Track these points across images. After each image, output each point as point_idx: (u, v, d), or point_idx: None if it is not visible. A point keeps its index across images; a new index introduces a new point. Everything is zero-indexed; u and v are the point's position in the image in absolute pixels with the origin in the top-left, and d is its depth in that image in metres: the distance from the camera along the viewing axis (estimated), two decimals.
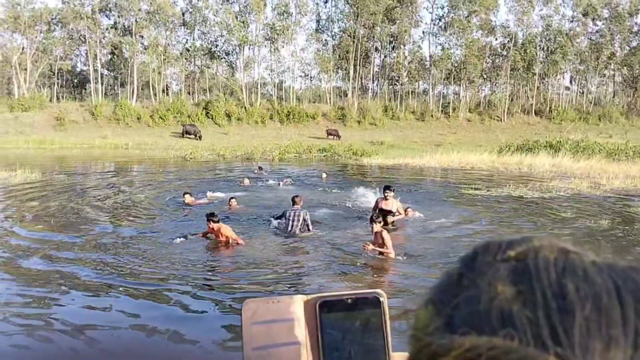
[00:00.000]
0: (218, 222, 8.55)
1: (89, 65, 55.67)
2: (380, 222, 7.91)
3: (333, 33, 62.40)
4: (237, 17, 55.55)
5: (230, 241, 8.52)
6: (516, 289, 0.32)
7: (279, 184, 17.49)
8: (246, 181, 17.29)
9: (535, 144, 30.01)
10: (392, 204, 10.42)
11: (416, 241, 9.33)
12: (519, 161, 25.70)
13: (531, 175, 21.26)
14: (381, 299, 0.51)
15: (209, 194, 14.15)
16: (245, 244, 8.64)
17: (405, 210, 11.09)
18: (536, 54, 58.85)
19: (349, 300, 0.50)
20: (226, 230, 8.57)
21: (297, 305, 0.51)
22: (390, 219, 10.21)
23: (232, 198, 12.36)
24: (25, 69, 51.82)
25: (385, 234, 7.76)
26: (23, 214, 11.56)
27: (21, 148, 36.11)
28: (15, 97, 49.36)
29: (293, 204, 9.89)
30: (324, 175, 20.16)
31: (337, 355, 0.49)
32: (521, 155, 27.06)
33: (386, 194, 10.43)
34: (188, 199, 12.40)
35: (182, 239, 8.84)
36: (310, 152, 33.90)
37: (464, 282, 0.34)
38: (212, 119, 50.97)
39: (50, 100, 51.57)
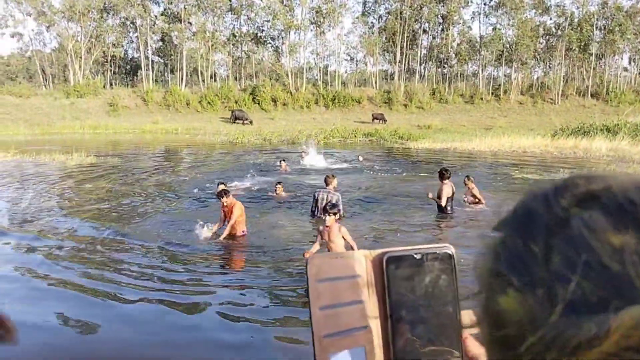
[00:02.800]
0: (229, 196, 8.10)
1: (140, 52, 57.12)
2: (335, 215, 6.16)
3: (379, 15, 61.50)
4: (282, 1, 55.53)
5: (236, 225, 7.99)
6: (635, 236, 0.26)
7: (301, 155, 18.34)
8: (283, 164, 16.93)
9: (591, 127, 28.69)
10: (448, 188, 9.46)
11: (459, 230, 9.08)
12: (574, 145, 24.67)
13: (587, 160, 20.39)
14: (452, 254, 0.49)
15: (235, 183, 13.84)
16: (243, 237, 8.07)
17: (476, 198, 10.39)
18: (593, 33, 56.11)
19: (418, 256, 0.49)
20: (238, 209, 8.02)
21: (361, 261, 0.49)
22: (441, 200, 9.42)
23: (278, 183, 12.20)
24: (80, 57, 53.66)
25: (343, 229, 6.21)
26: (74, 197, 11.99)
27: (77, 133, 37.56)
28: (70, 84, 51.31)
29: (326, 185, 9.26)
30: (361, 158, 20.17)
31: (406, 313, 0.48)
32: (576, 139, 25.96)
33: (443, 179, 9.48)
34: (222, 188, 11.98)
35: (202, 227, 8.29)
36: (355, 136, 33.69)
37: (536, 244, 0.29)
38: (259, 104, 51.41)
39: (104, 87, 53.28)
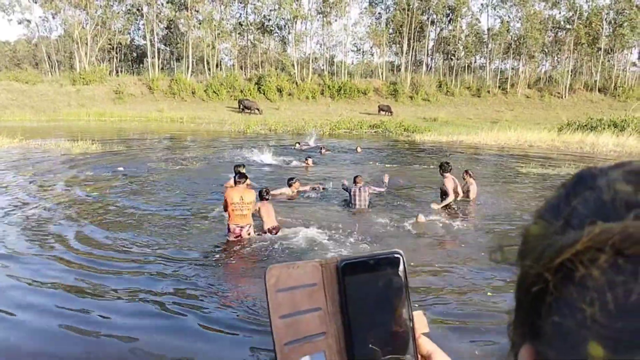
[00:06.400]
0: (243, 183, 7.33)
1: (146, 40, 56.97)
2: (267, 200, 7.87)
3: (387, 5, 61.11)
4: None
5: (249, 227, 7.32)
6: (635, 187, 0.33)
7: (321, 151, 19.15)
8: (309, 161, 15.98)
9: (598, 122, 28.49)
10: (449, 183, 9.51)
11: (461, 222, 9.03)
12: (581, 140, 24.55)
13: (593, 155, 20.28)
14: (401, 258, 0.51)
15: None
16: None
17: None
18: (602, 27, 55.56)
19: (371, 262, 0.50)
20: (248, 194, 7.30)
21: (317, 270, 0.51)
22: (444, 201, 9.47)
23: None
24: (86, 43, 53.56)
25: (271, 207, 7.76)
26: (74, 185, 11.99)
27: (82, 120, 37.59)
28: (76, 71, 51.25)
29: (355, 184, 9.70)
30: (359, 149, 20.61)
31: (363, 318, 0.49)
32: (583, 134, 25.82)
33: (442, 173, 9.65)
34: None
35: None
36: (361, 127, 33.58)
37: (572, 193, 0.37)
38: (264, 94, 51.28)
39: (110, 74, 53.19)
